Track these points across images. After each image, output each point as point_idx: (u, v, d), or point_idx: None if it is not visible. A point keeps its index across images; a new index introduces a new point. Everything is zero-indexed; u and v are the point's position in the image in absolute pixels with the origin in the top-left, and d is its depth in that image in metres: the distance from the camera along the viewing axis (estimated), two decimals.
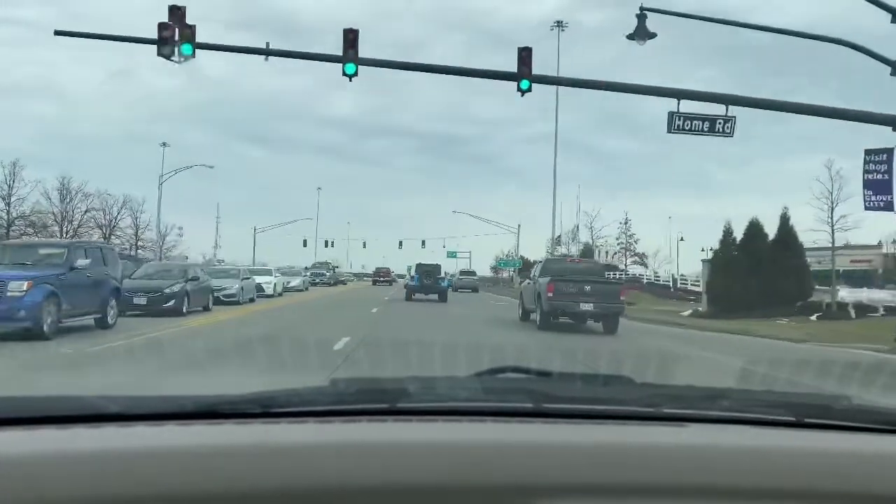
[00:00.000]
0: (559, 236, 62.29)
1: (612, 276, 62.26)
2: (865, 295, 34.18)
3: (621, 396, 1.56)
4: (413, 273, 37.32)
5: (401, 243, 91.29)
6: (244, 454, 1.17)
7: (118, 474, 1.10)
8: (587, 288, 19.34)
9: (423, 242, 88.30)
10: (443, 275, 37.95)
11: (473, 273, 67.57)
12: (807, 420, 1.46)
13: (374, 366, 10.11)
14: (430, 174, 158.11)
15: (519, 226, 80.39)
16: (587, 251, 63.38)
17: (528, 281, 23.73)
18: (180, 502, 1.10)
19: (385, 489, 1.14)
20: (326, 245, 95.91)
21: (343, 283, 72.58)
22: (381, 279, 66.84)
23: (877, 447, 1.36)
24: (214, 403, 1.37)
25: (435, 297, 34.20)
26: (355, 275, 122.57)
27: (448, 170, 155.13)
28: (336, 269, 72.99)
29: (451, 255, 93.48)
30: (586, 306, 19.09)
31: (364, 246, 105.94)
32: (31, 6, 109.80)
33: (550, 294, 19.08)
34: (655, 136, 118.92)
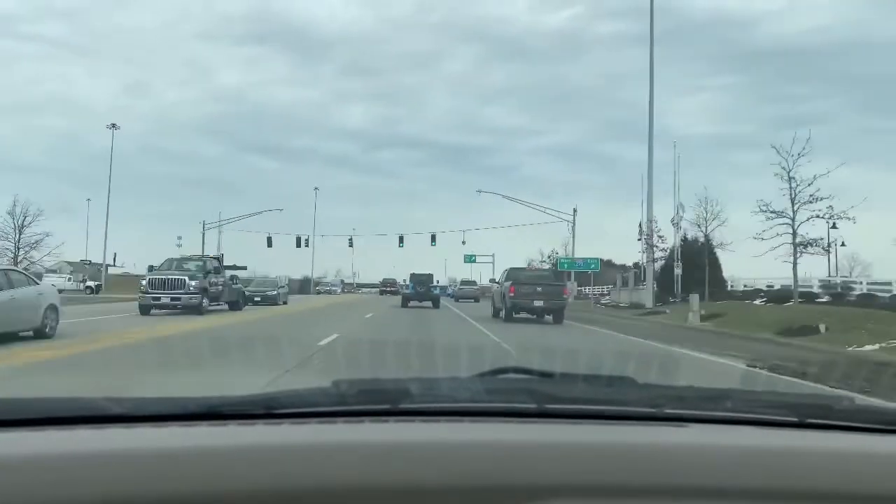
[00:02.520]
0: (641, 223, 44.61)
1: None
2: None
3: (624, 397, 1.56)
4: (408, 282, 42.39)
5: (401, 239, 71.35)
6: (247, 455, 1.18)
7: (122, 475, 1.11)
8: (539, 289, 26.15)
9: (433, 238, 68.45)
10: (435, 283, 43.00)
11: (474, 283, 68.69)
12: (808, 420, 1.46)
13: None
14: (443, 184, 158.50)
15: (575, 210, 57.12)
16: (693, 247, 40.61)
17: (496, 286, 30.87)
18: (183, 503, 1.10)
19: (387, 490, 1.14)
20: (298, 245, 76.55)
21: (272, 300, 37.01)
22: (388, 290, 72.51)
23: (878, 447, 1.36)
24: (217, 404, 1.37)
25: (429, 303, 38.59)
26: (346, 284, 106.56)
27: (460, 180, 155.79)
28: (232, 271, 33.03)
29: (469, 259, 78.58)
30: (538, 303, 25.93)
31: (350, 244, 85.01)
32: (49, 23, 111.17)
33: (512, 294, 25.92)
34: (672, 144, 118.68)
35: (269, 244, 72.63)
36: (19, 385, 8.50)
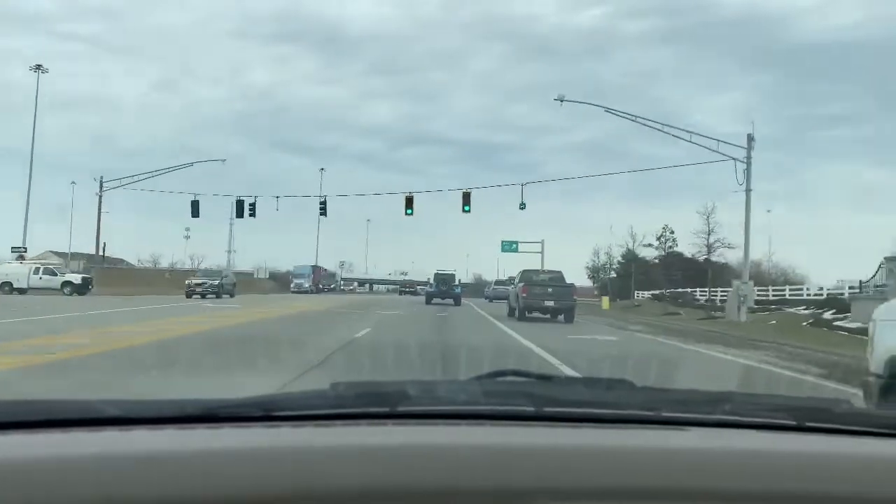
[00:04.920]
0: None
1: None
2: None
3: (622, 400, 1.56)
4: (431, 281, 47.41)
5: (409, 202, 46.71)
6: (244, 458, 1.17)
7: (118, 478, 1.10)
8: (550, 290, 28.65)
9: (466, 198, 45.45)
10: (457, 282, 47.83)
11: (509, 283, 66.25)
12: (808, 424, 1.46)
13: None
14: (467, 182, 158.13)
15: (750, 137, 36.14)
16: None
17: (512, 286, 33.67)
18: None
19: (385, 493, 1.13)
20: (241, 214, 51.53)
21: None
22: (407, 290, 76.65)
23: (877, 451, 1.36)
24: (214, 407, 1.37)
25: (451, 301, 43.82)
26: (327, 274, 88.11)
27: (486, 179, 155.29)
28: None
29: (510, 247, 62.39)
30: (549, 303, 28.20)
31: (322, 211, 54.27)
32: (86, 22, 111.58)
33: (524, 295, 28.26)
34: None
35: (195, 212, 51.53)
36: None
